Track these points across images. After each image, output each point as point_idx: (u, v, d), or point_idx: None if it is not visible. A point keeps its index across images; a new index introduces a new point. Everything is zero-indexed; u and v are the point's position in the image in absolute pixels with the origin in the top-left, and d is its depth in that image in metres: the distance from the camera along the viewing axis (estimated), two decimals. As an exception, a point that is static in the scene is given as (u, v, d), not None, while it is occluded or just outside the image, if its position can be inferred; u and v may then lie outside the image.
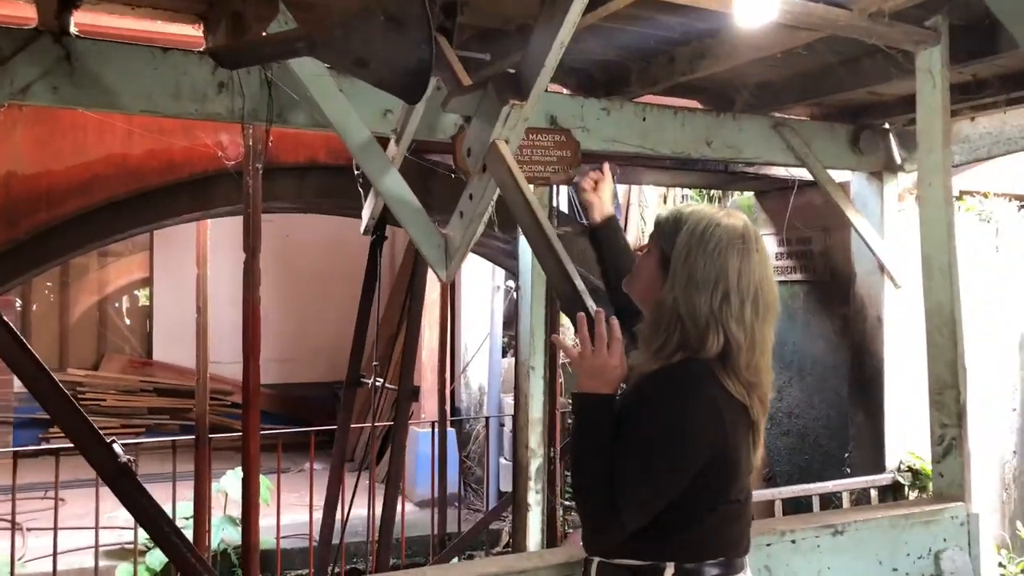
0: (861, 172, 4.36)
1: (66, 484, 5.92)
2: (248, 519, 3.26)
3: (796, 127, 3.93)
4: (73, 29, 2.68)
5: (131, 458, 3.31)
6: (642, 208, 7.78)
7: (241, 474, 5.00)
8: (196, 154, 3.20)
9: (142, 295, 9.91)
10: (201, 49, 2.76)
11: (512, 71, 2.14)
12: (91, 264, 9.66)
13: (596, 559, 1.65)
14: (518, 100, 2.06)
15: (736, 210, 1.74)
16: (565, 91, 3.78)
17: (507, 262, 4.70)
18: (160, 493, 5.61)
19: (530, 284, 3.47)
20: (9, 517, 5.71)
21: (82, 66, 2.66)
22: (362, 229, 2.91)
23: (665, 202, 7.51)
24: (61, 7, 2.54)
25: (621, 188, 7.52)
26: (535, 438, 3.38)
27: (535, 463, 3.38)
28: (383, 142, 3.43)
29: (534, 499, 3.39)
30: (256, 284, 3.09)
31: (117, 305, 9.88)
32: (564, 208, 7.04)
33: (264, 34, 2.08)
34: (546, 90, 3.46)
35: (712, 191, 7.00)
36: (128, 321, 9.99)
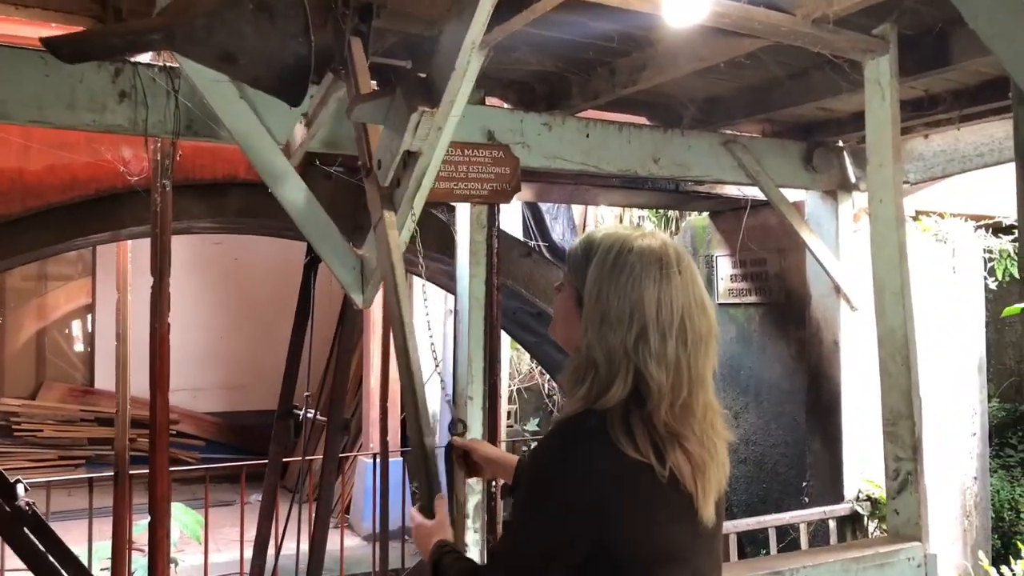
0: (815, 191, 4.22)
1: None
2: (155, 569, 2.98)
3: (747, 144, 3.79)
4: (-47, 31, 2.45)
5: (30, 502, 3.03)
6: (597, 225, 7.64)
7: (177, 509, 4.72)
8: (101, 170, 2.95)
9: (84, 322, 9.53)
10: (102, 64, 2.54)
11: (423, 75, 1.95)
12: (33, 289, 9.29)
13: None
14: (428, 106, 1.86)
15: (655, 230, 1.49)
16: (505, 105, 3.61)
17: (446, 283, 4.49)
18: (80, 532, 5.29)
19: (467, 310, 3.26)
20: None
21: (-43, 70, 2.42)
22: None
23: (621, 221, 7.37)
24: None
25: (577, 209, 7.38)
26: (472, 473, 3.15)
27: (473, 500, 3.16)
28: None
29: (471, 538, 3.16)
30: (165, 311, 2.84)
31: (60, 332, 9.48)
32: (518, 227, 6.90)
33: (119, 26, 1.86)
34: (483, 102, 3.35)
35: (668, 211, 6.88)
36: (72, 348, 9.59)
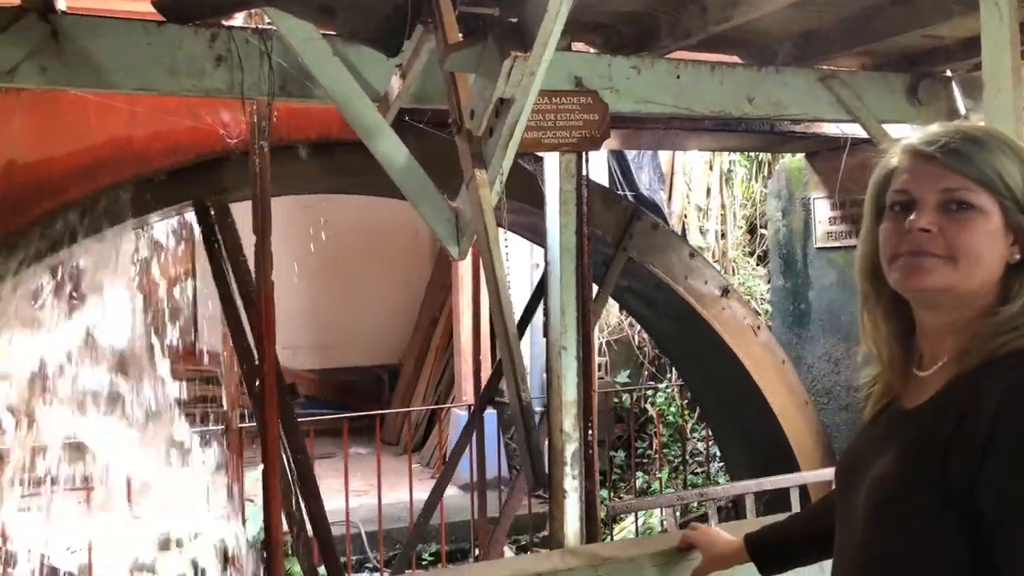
0: (920, 125, 4.01)
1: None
2: (269, 514, 3.13)
3: (846, 79, 3.61)
4: (61, 5, 2.54)
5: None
6: (688, 176, 7.46)
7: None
8: (202, 134, 3.04)
9: (187, 286, 9.97)
10: (199, 28, 2.60)
11: (514, 20, 1.92)
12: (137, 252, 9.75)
13: None
14: (521, 51, 1.84)
15: None
16: (591, 50, 3.53)
17: (531, 236, 4.48)
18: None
19: (558, 260, 3.25)
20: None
21: (71, 44, 2.51)
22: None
23: (711, 168, 7.19)
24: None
25: (663, 156, 7.22)
26: (569, 421, 3.18)
27: (570, 447, 3.18)
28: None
29: (570, 485, 3.20)
30: (268, 268, 2.94)
31: (170, 297, 9.97)
32: (604, 177, 6.80)
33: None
34: (569, 48, 3.28)
35: (760, 154, 6.67)
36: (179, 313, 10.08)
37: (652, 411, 6.30)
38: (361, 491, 6.19)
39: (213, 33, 2.61)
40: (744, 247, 7.31)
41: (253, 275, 3.04)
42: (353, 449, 6.50)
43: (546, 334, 3.42)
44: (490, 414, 6.28)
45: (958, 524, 1.05)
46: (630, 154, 6.72)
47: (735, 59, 3.74)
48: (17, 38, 2.46)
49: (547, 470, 3.13)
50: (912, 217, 1.11)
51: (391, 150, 2.32)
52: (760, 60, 3.62)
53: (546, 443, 3.30)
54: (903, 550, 1.10)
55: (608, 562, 1.69)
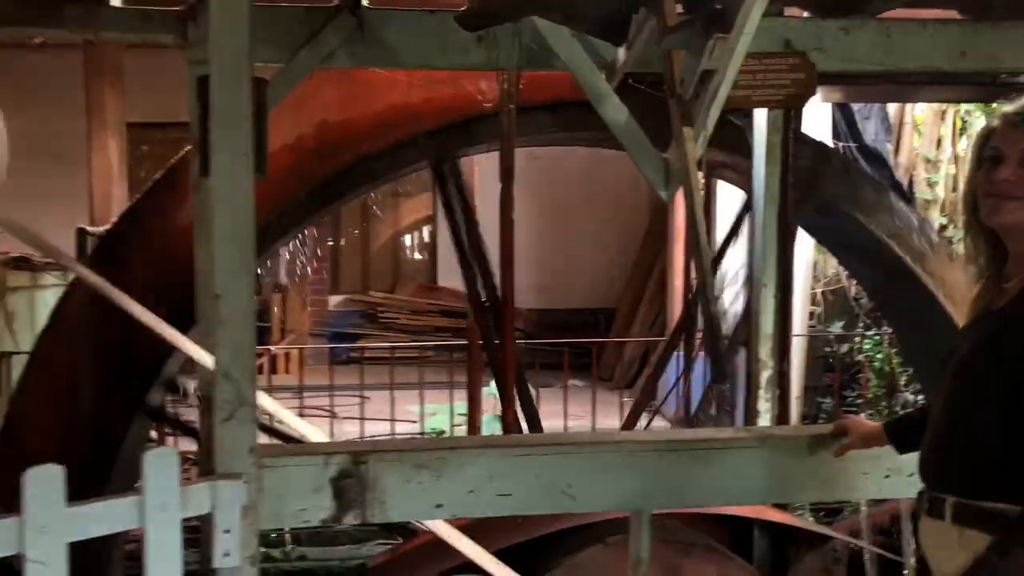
0: None
1: (369, 386, 7.08)
2: (506, 420, 3.83)
3: (1071, 29, 3.60)
4: (364, 1, 3.29)
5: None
6: (918, 125, 7.28)
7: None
8: (462, 99, 3.74)
9: (428, 229, 11.18)
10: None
11: (719, 6, 2.36)
12: (386, 203, 11.07)
13: (952, 498, 1.55)
14: (723, 34, 2.28)
15: None
16: (805, 14, 3.80)
17: (733, 178, 4.76)
18: (440, 397, 6.54)
19: (762, 202, 3.63)
20: (328, 408, 7.01)
21: (371, 32, 3.25)
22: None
23: (943, 118, 6.99)
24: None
25: (892, 107, 7.11)
26: (765, 351, 3.59)
27: (765, 374, 3.59)
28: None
29: (763, 407, 3.61)
30: (510, 206, 3.60)
31: (407, 239, 11.26)
32: (827, 129, 6.85)
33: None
34: (781, 13, 3.59)
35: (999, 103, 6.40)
36: (416, 254, 11.35)
37: (861, 358, 6.41)
38: (578, 416, 6.90)
39: (475, 17, 3.25)
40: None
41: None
42: (571, 382, 7.22)
43: (750, 273, 3.82)
44: (699, 359, 6.70)
45: (1008, 397, 1.44)
46: (856, 105, 6.72)
47: (952, 14, 3.82)
48: (334, 30, 3.24)
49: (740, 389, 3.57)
50: (1000, 169, 1.49)
51: (615, 112, 2.84)
52: (976, 15, 3.70)
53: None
54: (975, 415, 1.50)
55: (772, 438, 2.17)
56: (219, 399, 2.01)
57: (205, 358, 3.22)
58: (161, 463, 1.90)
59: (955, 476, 1.57)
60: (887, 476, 2.11)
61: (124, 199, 6.39)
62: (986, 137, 1.58)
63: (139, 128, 7.94)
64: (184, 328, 3.50)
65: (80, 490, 1.87)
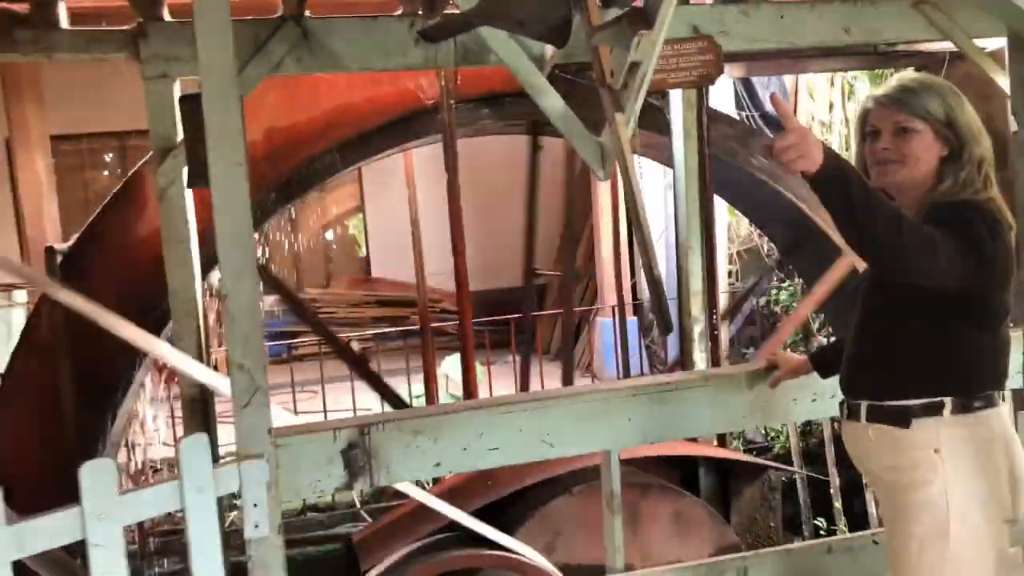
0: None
1: (312, 382, 7.28)
2: (468, 389, 4.14)
3: (937, 2, 4.09)
4: (306, 12, 3.50)
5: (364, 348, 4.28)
6: (811, 91, 7.86)
7: (459, 359, 6.02)
8: (401, 97, 3.99)
9: (355, 221, 11.31)
10: (401, 15, 3.50)
11: (640, 6, 2.68)
12: (310, 198, 11.13)
13: (865, 402, 1.94)
14: (646, 30, 2.61)
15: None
16: (708, 1, 4.18)
17: (655, 155, 5.19)
18: (392, 381, 6.75)
19: (683, 172, 4.02)
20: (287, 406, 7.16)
21: (316, 40, 3.46)
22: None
23: (832, 84, 7.58)
24: (300, -1, 3.34)
25: (788, 77, 7.65)
26: (696, 306, 3.98)
27: (697, 328, 3.99)
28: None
29: (699, 358, 4.01)
30: (457, 196, 3.89)
31: (337, 232, 11.36)
32: (730, 99, 7.35)
33: (452, 13, 2.77)
34: (687, 2, 3.96)
35: (881, 70, 7.00)
36: (346, 245, 11.47)
37: (778, 309, 6.97)
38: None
39: (411, 21, 3.50)
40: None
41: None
42: (510, 357, 7.57)
43: (676, 238, 4.21)
44: (632, 320, 7.13)
45: (912, 317, 1.84)
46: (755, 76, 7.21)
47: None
48: (280, 39, 3.44)
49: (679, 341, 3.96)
50: (879, 141, 1.88)
51: (551, 102, 3.15)
52: (857, -7, 4.15)
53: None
54: (879, 334, 1.90)
55: (716, 377, 2.54)
56: (235, 388, 2.24)
57: (182, 361, 3.43)
58: (195, 450, 2.13)
59: (867, 383, 1.96)
60: (813, 400, 2.51)
61: (55, 214, 6.38)
62: (864, 116, 1.99)
63: (58, 140, 7.85)
64: (153, 332, 3.67)
65: (62, 496, 1.97)
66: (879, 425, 1.93)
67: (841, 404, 2.07)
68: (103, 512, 1.97)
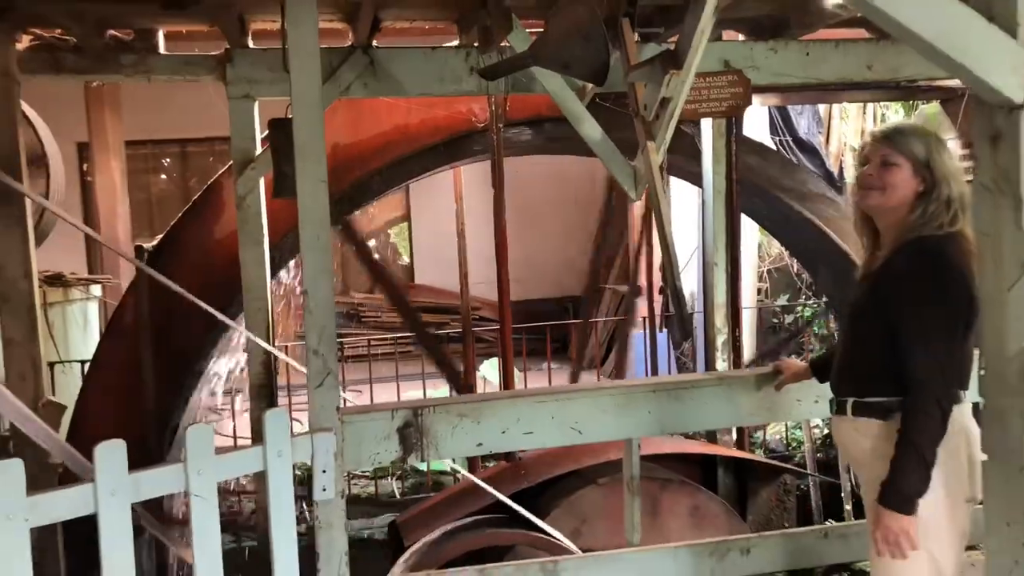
0: None
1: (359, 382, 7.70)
2: (507, 384, 4.50)
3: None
4: (374, 43, 3.91)
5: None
6: (844, 119, 8.12)
7: (496, 363, 6.38)
8: (454, 120, 4.38)
9: (399, 230, 11.77)
10: (458, 46, 3.90)
11: (672, 48, 3.03)
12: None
13: (851, 399, 2.27)
14: (676, 70, 2.96)
15: None
16: (740, 37, 4.52)
17: (693, 180, 5.52)
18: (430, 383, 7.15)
19: (711, 195, 4.35)
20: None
21: (381, 67, 3.87)
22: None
23: (864, 110, 7.83)
24: (371, 30, 3.76)
25: (822, 105, 7.93)
26: (720, 318, 4.31)
27: (720, 338, 4.31)
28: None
29: (720, 367, 4.33)
30: (502, 211, 4.25)
31: (382, 239, 11.83)
32: (765, 124, 7.64)
33: (505, 57, 3.15)
34: (720, 38, 4.30)
35: (909, 101, 7.24)
36: (390, 253, 11.92)
37: (801, 324, 7.23)
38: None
39: (467, 52, 3.89)
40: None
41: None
42: (545, 364, 7.91)
43: (704, 256, 4.53)
44: (662, 335, 7.43)
45: (886, 329, 2.16)
46: (790, 102, 7.50)
47: (862, 33, 4.58)
48: (350, 66, 3.85)
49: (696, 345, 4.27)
50: (866, 168, 2.22)
51: (590, 129, 3.51)
52: (881, 34, 4.46)
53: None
54: (863, 342, 2.23)
55: (729, 378, 2.87)
56: (311, 371, 2.63)
57: (255, 341, 3.84)
58: (276, 421, 2.52)
59: (852, 383, 2.28)
60: (816, 401, 2.82)
61: (127, 214, 6.89)
62: (861, 150, 2.32)
63: (134, 145, 8.42)
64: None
65: (143, 464, 2.30)
66: (863, 418, 2.25)
67: (831, 401, 2.39)
68: (202, 468, 2.36)
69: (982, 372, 1.83)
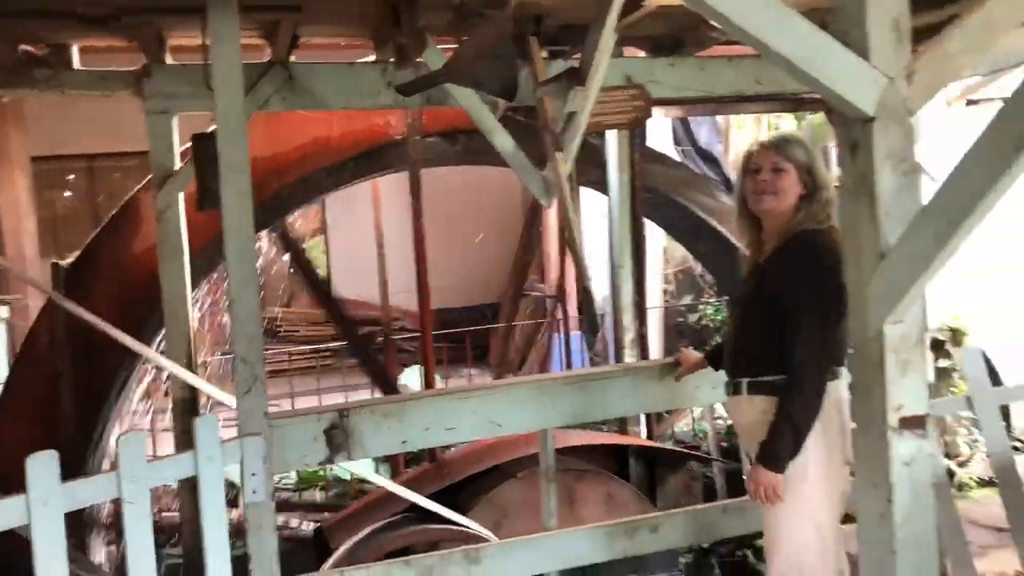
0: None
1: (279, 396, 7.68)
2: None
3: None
4: (292, 58, 4.02)
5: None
6: (739, 129, 8.61)
7: (418, 371, 6.51)
8: (372, 132, 4.52)
9: (315, 243, 11.75)
10: (375, 62, 4.05)
11: (576, 66, 3.27)
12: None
13: (745, 380, 2.51)
14: (580, 85, 3.19)
15: None
16: (641, 53, 4.81)
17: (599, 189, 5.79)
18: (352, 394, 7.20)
19: (617, 201, 4.61)
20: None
21: (299, 82, 3.98)
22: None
23: (759, 121, 8.32)
24: (290, 45, 3.87)
25: (721, 117, 8.37)
26: (627, 317, 4.56)
27: (628, 336, 4.57)
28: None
29: (630, 361, 4.58)
30: (421, 219, 4.42)
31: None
32: (668, 134, 8.03)
33: (421, 74, 3.33)
34: (622, 55, 4.58)
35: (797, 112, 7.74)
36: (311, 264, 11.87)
37: (707, 323, 7.63)
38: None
39: (384, 67, 4.04)
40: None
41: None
42: (466, 371, 8.08)
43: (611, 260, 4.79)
44: (576, 335, 7.70)
45: (774, 315, 2.42)
46: (691, 115, 7.89)
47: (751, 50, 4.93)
48: (269, 80, 3.95)
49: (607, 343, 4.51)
50: (759, 175, 2.49)
51: (503, 141, 3.72)
52: (767, 50, 4.81)
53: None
54: (753, 328, 2.49)
55: (635, 369, 3.10)
56: (240, 378, 2.73)
57: (173, 367, 3.87)
58: (207, 426, 2.62)
59: (746, 366, 2.55)
60: (713, 388, 3.08)
61: (34, 232, 6.74)
62: (748, 156, 2.58)
63: (39, 160, 8.19)
64: (143, 339, 4.12)
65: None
66: (757, 396, 2.51)
67: (726, 384, 2.65)
68: (136, 475, 2.44)
69: (851, 351, 2.09)
